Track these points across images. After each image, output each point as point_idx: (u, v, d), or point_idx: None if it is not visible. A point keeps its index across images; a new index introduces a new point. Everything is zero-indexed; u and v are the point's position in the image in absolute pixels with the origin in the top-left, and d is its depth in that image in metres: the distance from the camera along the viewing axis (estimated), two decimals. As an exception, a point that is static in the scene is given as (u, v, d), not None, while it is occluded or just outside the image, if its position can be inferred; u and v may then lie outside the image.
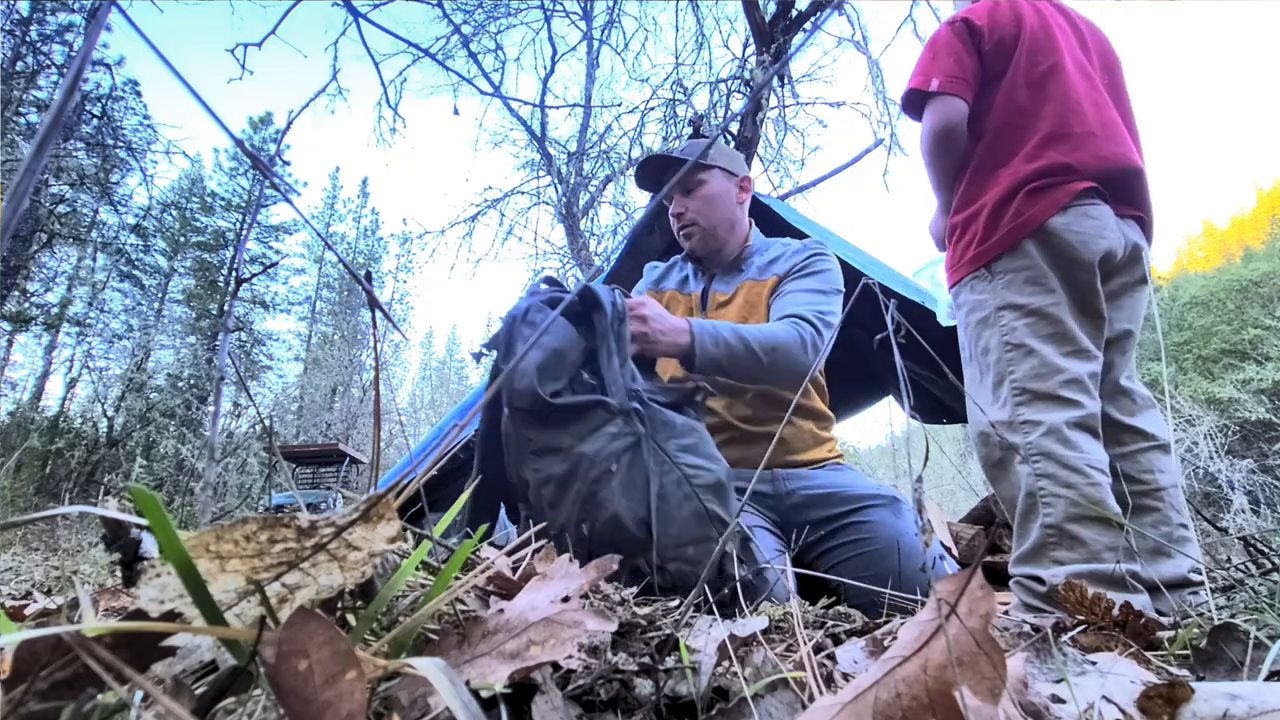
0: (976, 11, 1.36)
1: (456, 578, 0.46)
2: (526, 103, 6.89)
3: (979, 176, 1.33)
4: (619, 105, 6.72)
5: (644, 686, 0.42)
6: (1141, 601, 1.05)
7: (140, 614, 0.32)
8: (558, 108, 7.01)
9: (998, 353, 1.23)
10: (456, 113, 6.41)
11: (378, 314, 0.49)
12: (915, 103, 1.36)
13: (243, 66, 4.85)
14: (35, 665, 0.31)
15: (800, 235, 2.21)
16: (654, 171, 1.55)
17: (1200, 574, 1.12)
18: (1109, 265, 1.24)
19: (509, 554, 0.60)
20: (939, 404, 2.86)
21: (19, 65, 10.51)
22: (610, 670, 0.42)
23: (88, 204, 12.48)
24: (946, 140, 1.33)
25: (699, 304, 1.56)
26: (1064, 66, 1.29)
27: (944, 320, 1.51)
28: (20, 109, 10.29)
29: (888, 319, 0.84)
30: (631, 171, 6.62)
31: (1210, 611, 0.74)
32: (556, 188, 6.76)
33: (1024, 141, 1.27)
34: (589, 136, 6.85)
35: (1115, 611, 0.65)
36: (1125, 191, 1.27)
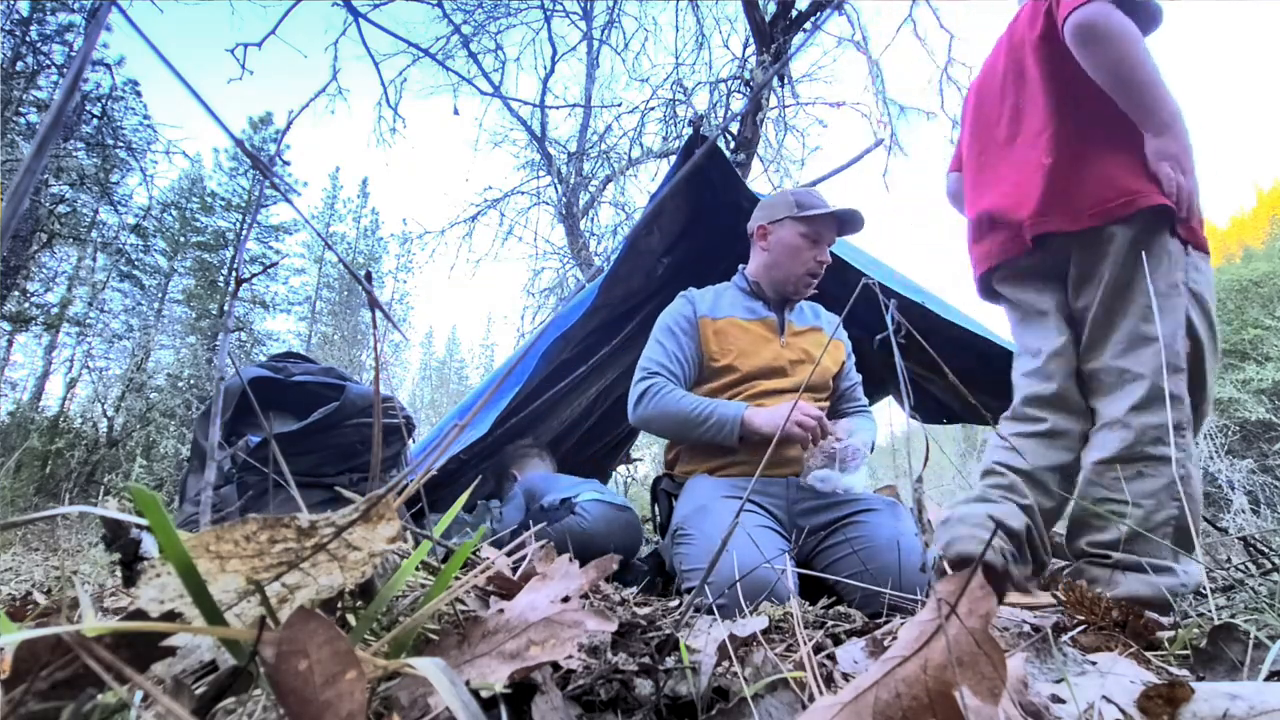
0: None
1: (456, 578, 0.46)
2: (526, 103, 6.88)
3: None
4: (619, 105, 6.71)
5: (644, 686, 0.42)
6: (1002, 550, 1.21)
7: (140, 614, 0.32)
8: (558, 108, 6.99)
9: None
10: (456, 113, 6.40)
11: (378, 314, 0.49)
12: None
13: (243, 66, 4.84)
14: (35, 665, 0.31)
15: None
16: (845, 224, 1.70)
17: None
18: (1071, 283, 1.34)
19: (509, 554, 0.60)
20: (939, 404, 2.86)
21: (19, 65, 10.50)
22: (610, 670, 0.42)
23: (88, 204, 12.46)
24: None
25: (777, 328, 1.70)
26: (965, 121, 1.54)
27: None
28: (20, 109, 10.27)
29: (888, 319, 0.84)
30: (632, 171, 6.62)
31: (1210, 611, 0.74)
32: (556, 188, 6.76)
33: None
34: (589, 136, 6.84)
35: (1115, 612, 0.65)
36: (1012, 228, 1.37)
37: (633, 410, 1.62)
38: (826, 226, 1.67)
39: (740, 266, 1.82)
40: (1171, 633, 0.64)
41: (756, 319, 1.69)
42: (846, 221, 1.69)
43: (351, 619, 0.43)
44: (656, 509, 1.79)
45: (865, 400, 1.85)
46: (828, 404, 1.72)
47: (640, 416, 1.60)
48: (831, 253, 1.68)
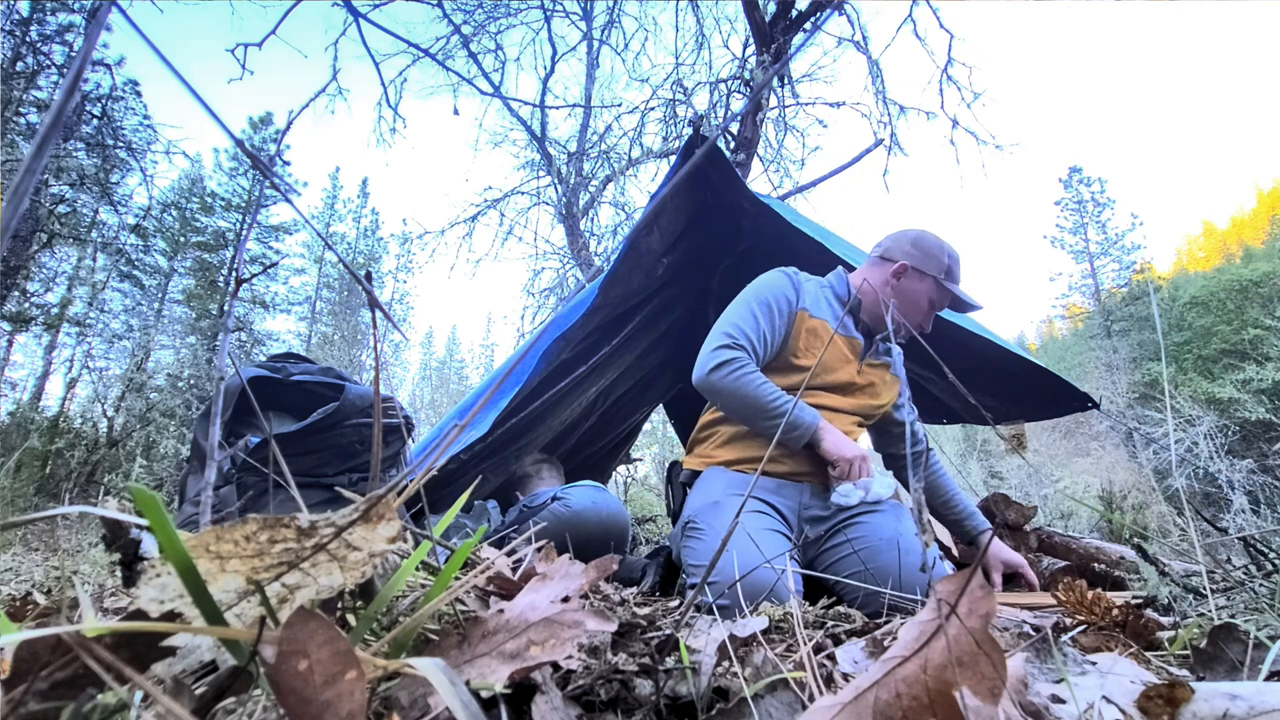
0: None
1: (456, 578, 0.46)
2: (526, 103, 6.88)
3: None
4: (619, 105, 6.71)
5: (644, 686, 0.42)
6: None
7: (140, 614, 0.32)
8: (558, 108, 6.99)
9: None
10: (456, 113, 6.41)
11: (378, 314, 0.49)
12: None
13: (243, 66, 4.85)
14: (35, 665, 0.31)
15: (803, 236, 2.21)
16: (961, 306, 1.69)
17: None
18: None
19: (508, 554, 0.60)
20: (939, 404, 2.85)
21: (19, 65, 10.50)
22: (610, 670, 0.42)
23: (88, 204, 12.46)
24: None
25: (861, 352, 1.66)
26: None
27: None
28: (20, 109, 10.27)
29: (888, 319, 0.84)
30: (632, 171, 6.63)
31: (1210, 612, 0.74)
32: (556, 188, 6.76)
33: None
34: (589, 136, 6.84)
35: (1115, 611, 0.65)
36: None
37: (706, 373, 1.51)
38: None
39: (839, 270, 1.75)
40: (1171, 633, 0.64)
41: (845, 334, 1.64)
42: (958, 304, 1.70)
43: (351, 619, 0.43)
44: (670, 493, 1.80)
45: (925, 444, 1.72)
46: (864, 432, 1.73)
47: (712, 383, 1.50)
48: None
